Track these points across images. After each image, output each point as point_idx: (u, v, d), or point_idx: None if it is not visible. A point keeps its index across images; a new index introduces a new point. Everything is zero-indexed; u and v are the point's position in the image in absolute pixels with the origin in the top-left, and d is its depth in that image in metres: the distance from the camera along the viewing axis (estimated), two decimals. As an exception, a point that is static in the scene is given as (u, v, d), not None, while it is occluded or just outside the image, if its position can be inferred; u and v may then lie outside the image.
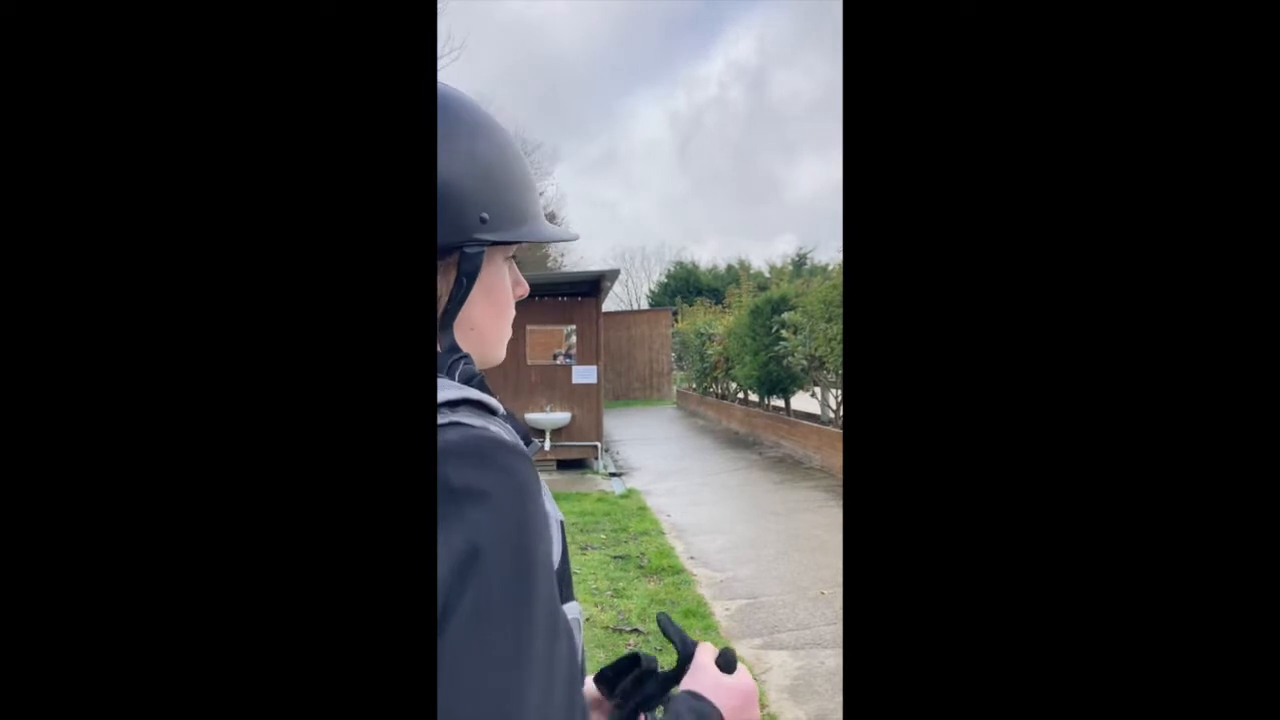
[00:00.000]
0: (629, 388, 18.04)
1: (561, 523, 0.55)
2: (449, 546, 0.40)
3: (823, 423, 7.78)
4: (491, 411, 0.52)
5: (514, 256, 0.65)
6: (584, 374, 8.20)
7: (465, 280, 0.57)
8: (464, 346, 0.60)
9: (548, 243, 0.71)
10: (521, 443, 0.51)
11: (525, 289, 0.67)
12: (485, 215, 0.57)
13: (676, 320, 17.16)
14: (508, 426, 0.53)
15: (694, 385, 14.31)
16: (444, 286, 0.57)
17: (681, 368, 15.81)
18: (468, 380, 0.58)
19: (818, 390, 8.10)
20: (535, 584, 0.44)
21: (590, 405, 8.24)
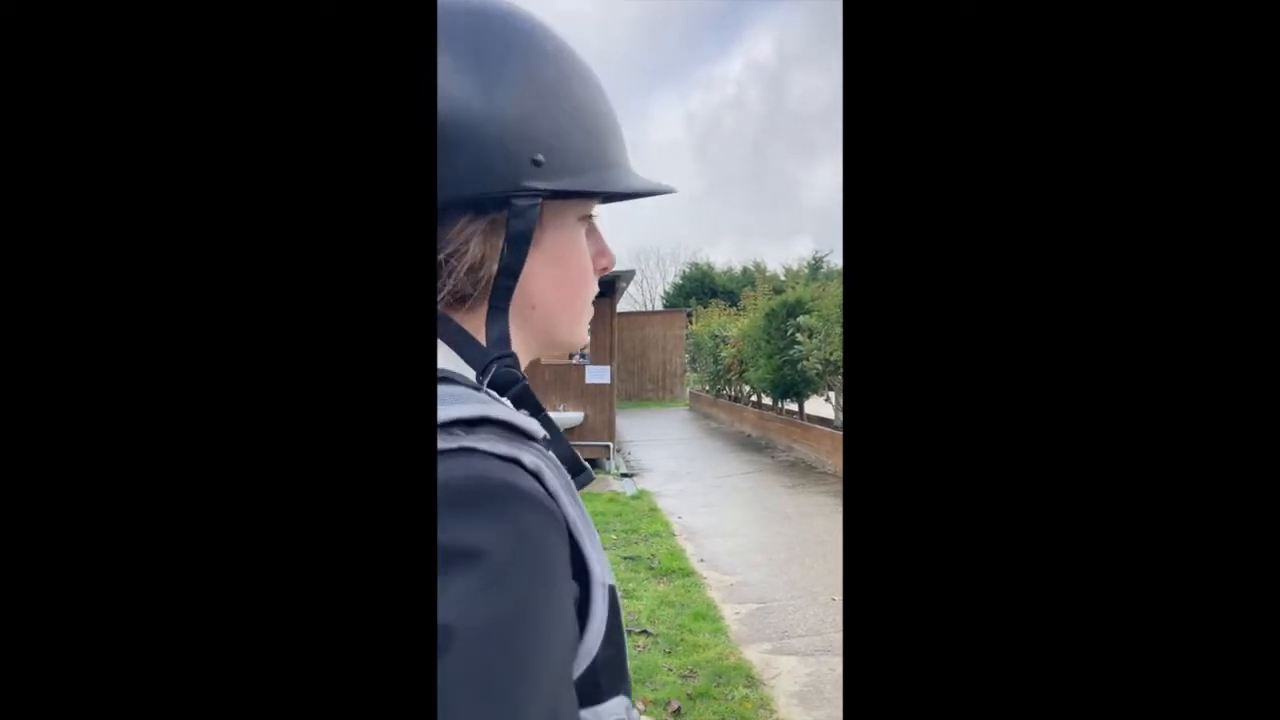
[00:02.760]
0: (642, 389, 18.06)
1: (612, 589, 0.40)
2: None
3: (836, 427, 7.74)
4: (527, 436, 0.40)
5: (592, 216, 0.51)
6: (597, 374, 8.22)
7: (515, 242, 0.44)
8: (523, 331, 0.48)
9: (632, 197, 0.51)
10: (545, 485, 0.38)
11: (611, 260, 0.52)
12: (540, 157, 0.43)
13: (691, 322, 17.15)
14: (549, 456, 0.40)
15: (707, 387, 14.30)
16: (485, 251, 0.44)
17: (695, 369, 15.81)
18: (506, 387, 0.46)
19: (832, 395, 8.06)
20: (525, 694, 0.31)
21: (603, 405, 8.25)
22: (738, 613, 3.71)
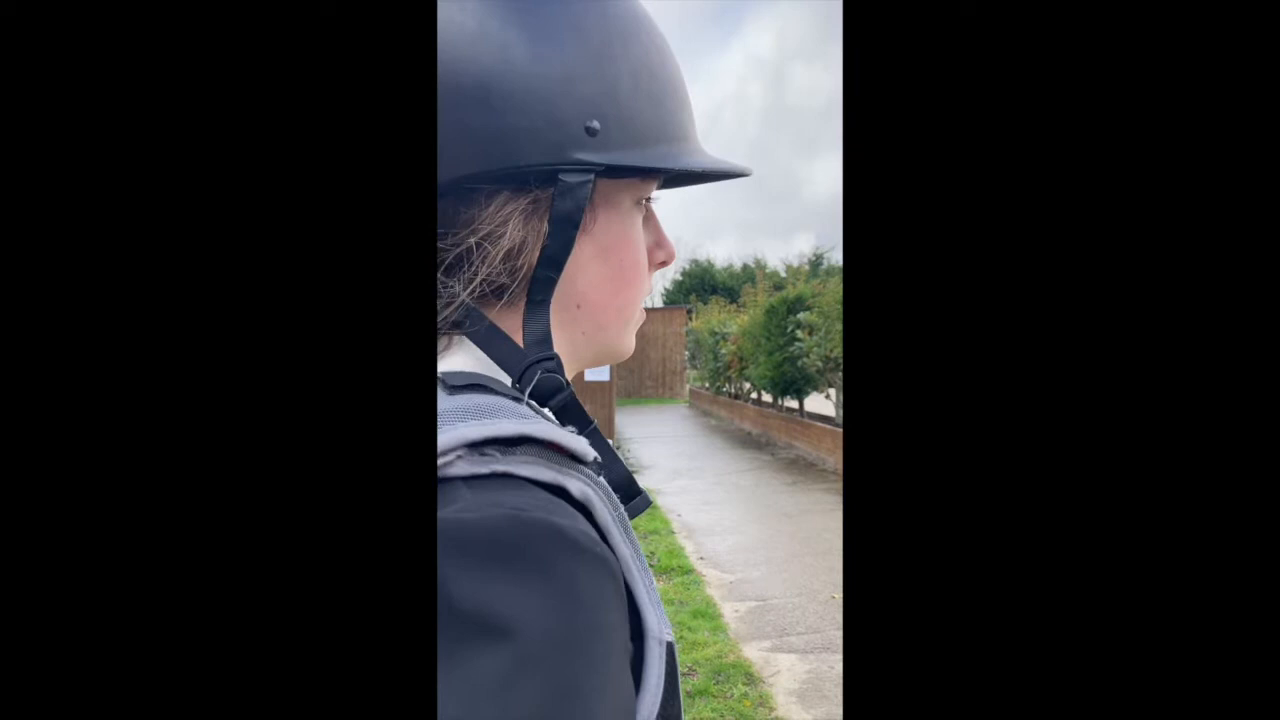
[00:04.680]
0: (641, 386, 18.06)
1: (670, 646, 0.33)
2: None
3: (836, 425, 7.74)
4: (575, 458, 0.34)
5: (649, 201, 0.43)
6: (596, 372, 8.21)
7: (561, 226, 0.37)
8: (568, 335, 0.41)
9: (704, 179, 0.41)
10: (594, 520, 0.32)
11: (671, 253, 0.45)
12: (594, 124, 0.37)
13: (691, 318, 17.15)
14: (599, 483, 0.34)
15: (707, 384, 14.30)
16: (526, 235, 0.37)
17: (695, 366, 15.80)
18: (549, 396, 0.39)
19: (832, 392, 8.06)
20: None
21: (603, 403, 8.25)
22: (737, 610, 3.71)
